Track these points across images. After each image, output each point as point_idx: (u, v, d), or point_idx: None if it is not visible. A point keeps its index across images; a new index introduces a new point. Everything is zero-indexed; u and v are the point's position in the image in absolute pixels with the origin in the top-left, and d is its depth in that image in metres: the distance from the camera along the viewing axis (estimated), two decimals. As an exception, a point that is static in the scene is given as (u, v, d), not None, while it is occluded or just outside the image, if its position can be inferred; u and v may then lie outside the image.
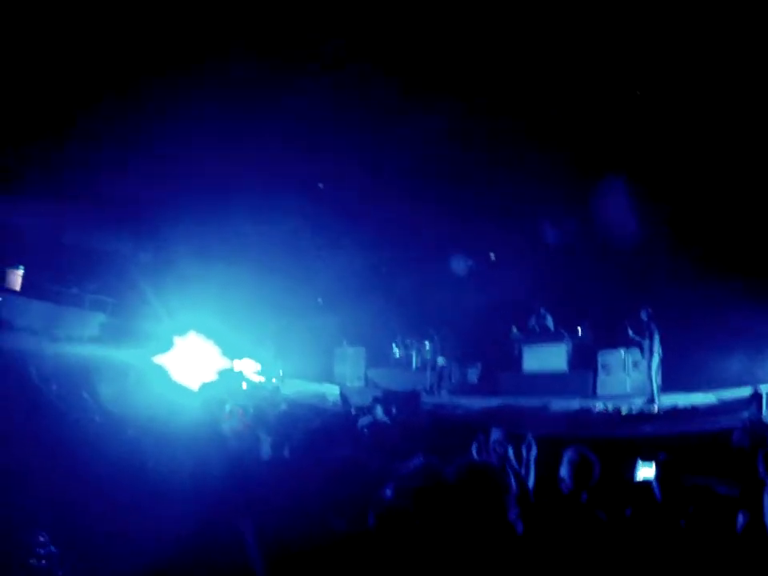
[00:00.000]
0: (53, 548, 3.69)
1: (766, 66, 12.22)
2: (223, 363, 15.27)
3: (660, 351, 13.37)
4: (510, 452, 5.20)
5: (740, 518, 3.36)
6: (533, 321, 17.83)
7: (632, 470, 4.06)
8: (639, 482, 3.96)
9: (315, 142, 15.88)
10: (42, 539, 3.74)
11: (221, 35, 13.01)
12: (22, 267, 17.87)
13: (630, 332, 13.76)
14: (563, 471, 4.38)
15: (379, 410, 10.20)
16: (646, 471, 3.95)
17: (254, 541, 3.42)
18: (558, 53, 13.46)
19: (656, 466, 3.95)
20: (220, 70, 13.71)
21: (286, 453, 5.19)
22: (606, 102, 14.67)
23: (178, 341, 14.73)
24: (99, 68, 13.20)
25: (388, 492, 3.88)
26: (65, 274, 18.01)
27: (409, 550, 3.11)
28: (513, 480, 4.82)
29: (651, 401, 13.09)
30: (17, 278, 17.78)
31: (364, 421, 10.09)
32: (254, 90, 14.49)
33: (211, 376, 13.42)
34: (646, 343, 13.44)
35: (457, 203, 17.61)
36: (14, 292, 17.40)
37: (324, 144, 16.00)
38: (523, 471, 5.16)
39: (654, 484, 3.79)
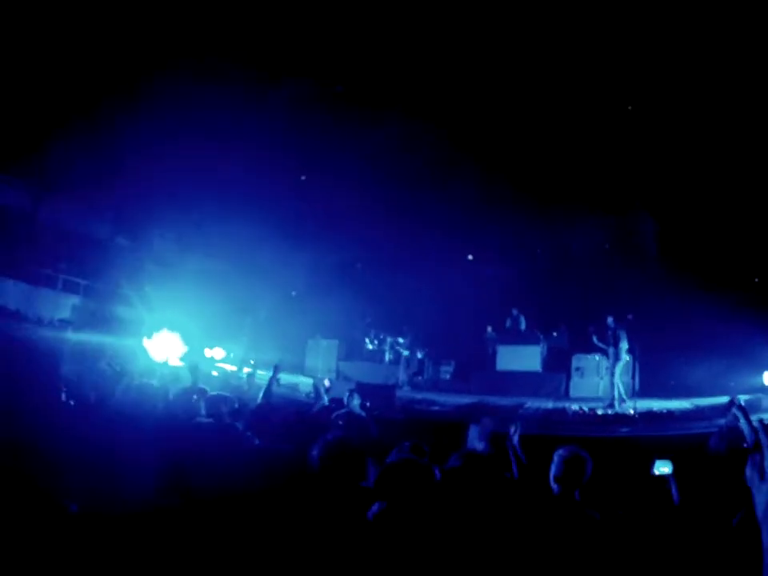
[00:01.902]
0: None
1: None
2: (195, 350, 15.01)
3: (626, 356, 13.56)
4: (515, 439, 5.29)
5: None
6: (508, 322, 17.91)
7: (648, 465, 4.02)
8: (655, 476, 3.92)
9: (302, 138, 15.87)
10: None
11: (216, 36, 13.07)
12: (-6, 243, 17.29)
13: (595, 338, 13.96)
14: (555, 470, 4.32)
15: (356, 402, 10.02)
16: (663, 468, 3.91)
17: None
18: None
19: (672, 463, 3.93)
20: (211, 64, 13.68)
21: (257, 441, 5.16)
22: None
23: (151, 326, 14.45)
24: (100, 57, 13.16)
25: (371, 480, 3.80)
26: (39, 254, 17.50)
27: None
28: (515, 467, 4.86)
29: (612, 405, 13.31)
30: (-11, 253, 17.20)
31: (339, 413, 9.92)
32: (246, 86, 14.46)
33: (182, 362, 13.17)
34: (611, 349, 13.62)
35: (438, 204, 17.66)
36: (-14, 268, 16.84)
37: (309, 138, 15.98)
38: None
39: (671, 479, 3.75)
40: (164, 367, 8.89)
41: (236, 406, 6.57)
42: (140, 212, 17.43)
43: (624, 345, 13.52)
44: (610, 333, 13.66)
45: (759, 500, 1.96)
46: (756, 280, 16.99)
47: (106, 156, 15.02)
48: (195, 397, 6.38)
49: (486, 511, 3.37)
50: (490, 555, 3.11)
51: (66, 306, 17.05)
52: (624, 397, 13.40)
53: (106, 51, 13.28)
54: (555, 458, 4.34)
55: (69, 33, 12.78)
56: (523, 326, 17.79)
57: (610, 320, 13.71)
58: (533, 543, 3.45)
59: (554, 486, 4.25)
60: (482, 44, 13.54)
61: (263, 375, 16.06)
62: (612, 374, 13.63)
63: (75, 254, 17.76)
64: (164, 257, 17.62)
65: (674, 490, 3.65)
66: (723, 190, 15.14)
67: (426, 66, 13.93)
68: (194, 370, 7.66)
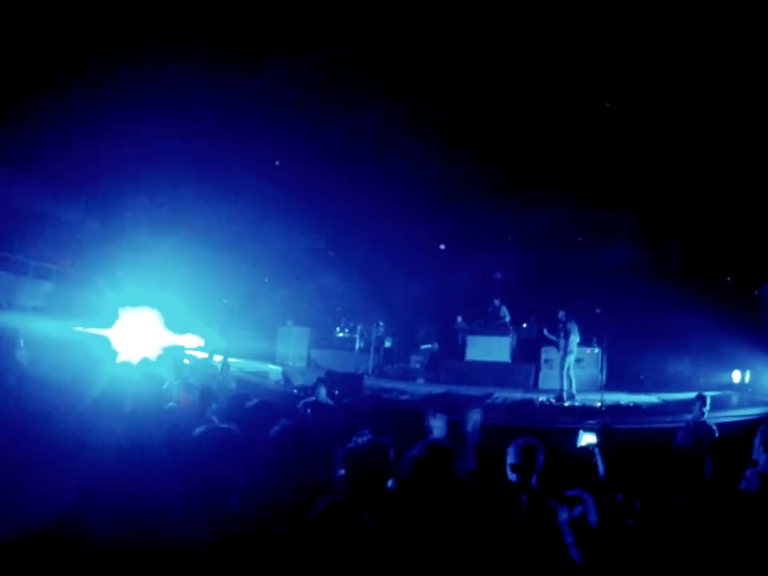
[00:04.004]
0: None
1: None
2: (167, 337, 14.85)
3: (576, 350, 13.66)
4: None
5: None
6: (489, 311, 17.80)
7: (574, 439, 4.07)
8: (581, 447, 3.97)
9: (275, 121, 15.69)
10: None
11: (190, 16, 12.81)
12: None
13: (546, 330, 14.04)
14: (512, 459, 4.37)
15: (323, 391, 10.05)
16: (588, 438, 3.95)
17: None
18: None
19: (597, 434, 3.97)
20: (176, 43, 13.45)
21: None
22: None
23: (122, 313, 14.27)
24: (55, 37, 12.83)
25: (340, 471, 3.79)
26: (10, 240, 17.17)
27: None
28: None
29: (562, 397, 13.44)
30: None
31: (307, 401, 9.93)
32: (213, 63, 14.24)
33: (154, 350, 13.04)
34: (562, 342, 13.69)
35: (413, 192, 17.63)
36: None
37: (284, 123, 15.82)
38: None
39: (597, 450, 3.81)
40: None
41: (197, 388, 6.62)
42: (111, 195, 17.15)
43: (575, 338, 13.57)
44: (560, 326, 13.73)
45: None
46: (728, 279, 17.15)
47: (77, 138, 14.75)
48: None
49: (446, 501, 3.39)
50: (450, 544, 3.13)
51: (39, 293, 16.81)
52: (573, 392, 13.49)
53: (81, 30, 12.97)
54: (512, 448, 4.41)
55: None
56: (508, 318, 17.64)
57: (561, 314, 13.75)
58: (493, 530, 3.48)
59: (512, 475, 4.32)
60: (463, 32, 13.44)
61: (234, 363, 16.11)
62: (562, 367, 13.72)
63: (46, 238, 17.43)
64: (136, 241, 17.39)
65: (599, 462, 3.72)
66: (698, 188, 15.23)
67: (402, 47, 13.79)
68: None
